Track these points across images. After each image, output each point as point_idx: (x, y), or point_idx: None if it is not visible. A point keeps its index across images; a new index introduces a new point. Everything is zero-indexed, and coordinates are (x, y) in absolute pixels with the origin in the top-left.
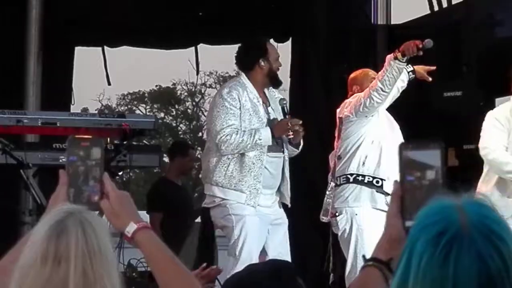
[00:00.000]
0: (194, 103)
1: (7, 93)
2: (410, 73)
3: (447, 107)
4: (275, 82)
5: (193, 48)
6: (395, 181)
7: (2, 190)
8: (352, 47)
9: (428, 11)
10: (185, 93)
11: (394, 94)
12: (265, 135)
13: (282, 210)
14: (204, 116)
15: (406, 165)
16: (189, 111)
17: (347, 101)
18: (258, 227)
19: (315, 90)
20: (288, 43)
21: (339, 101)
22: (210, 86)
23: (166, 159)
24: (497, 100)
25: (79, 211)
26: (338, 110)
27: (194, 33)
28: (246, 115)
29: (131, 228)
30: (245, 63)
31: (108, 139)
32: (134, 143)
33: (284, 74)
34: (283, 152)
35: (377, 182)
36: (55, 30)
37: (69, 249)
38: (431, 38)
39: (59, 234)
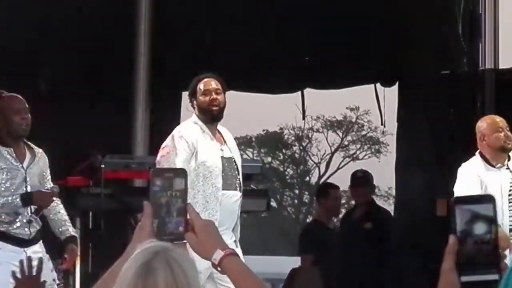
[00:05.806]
0: (301, 148)
1: (116, 137)
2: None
3: None
4: (211, 116)
5: (299, 92)
6: (451, 235)
7: (110, 236)
8: (459, 92)
9: None
10: (292, 138)
11: None
12: None
13: (239, 249)
14: (312, 160)
15: (460, 219)
16: (296, 155)
17: None
18: None
19: (423, 137)
20: (395, 87)
21: (446, 148)
22: (317, 131)
23: (273, 204)
24: None
25: (165, 249)
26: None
27: (301, 78)
28: (200, 153)
29: (217, 255)
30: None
31: None
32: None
33: (392, 117)
34: (239, 190)
35: None
36: (162, 77)
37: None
38: None
39: (146, 275)
